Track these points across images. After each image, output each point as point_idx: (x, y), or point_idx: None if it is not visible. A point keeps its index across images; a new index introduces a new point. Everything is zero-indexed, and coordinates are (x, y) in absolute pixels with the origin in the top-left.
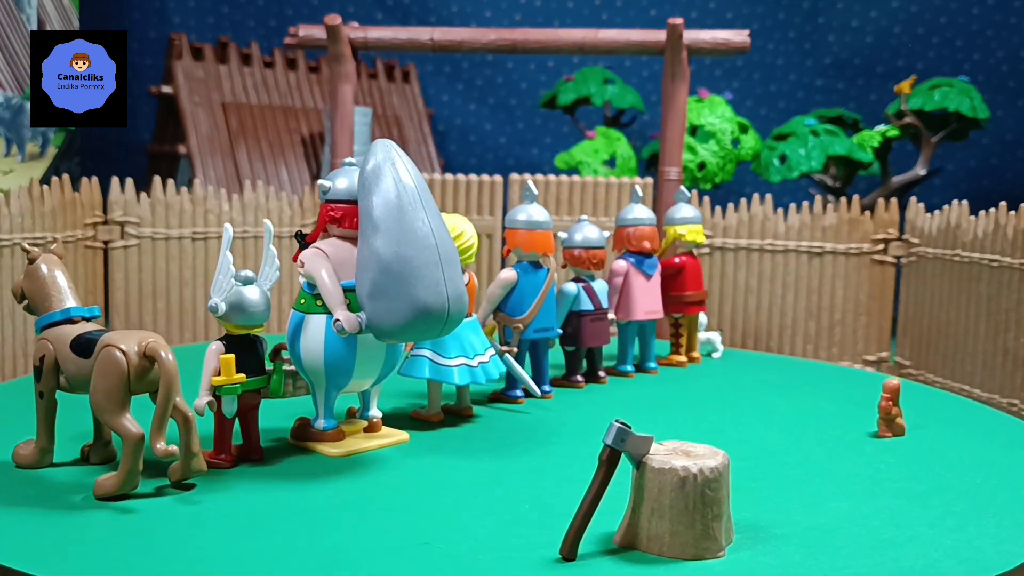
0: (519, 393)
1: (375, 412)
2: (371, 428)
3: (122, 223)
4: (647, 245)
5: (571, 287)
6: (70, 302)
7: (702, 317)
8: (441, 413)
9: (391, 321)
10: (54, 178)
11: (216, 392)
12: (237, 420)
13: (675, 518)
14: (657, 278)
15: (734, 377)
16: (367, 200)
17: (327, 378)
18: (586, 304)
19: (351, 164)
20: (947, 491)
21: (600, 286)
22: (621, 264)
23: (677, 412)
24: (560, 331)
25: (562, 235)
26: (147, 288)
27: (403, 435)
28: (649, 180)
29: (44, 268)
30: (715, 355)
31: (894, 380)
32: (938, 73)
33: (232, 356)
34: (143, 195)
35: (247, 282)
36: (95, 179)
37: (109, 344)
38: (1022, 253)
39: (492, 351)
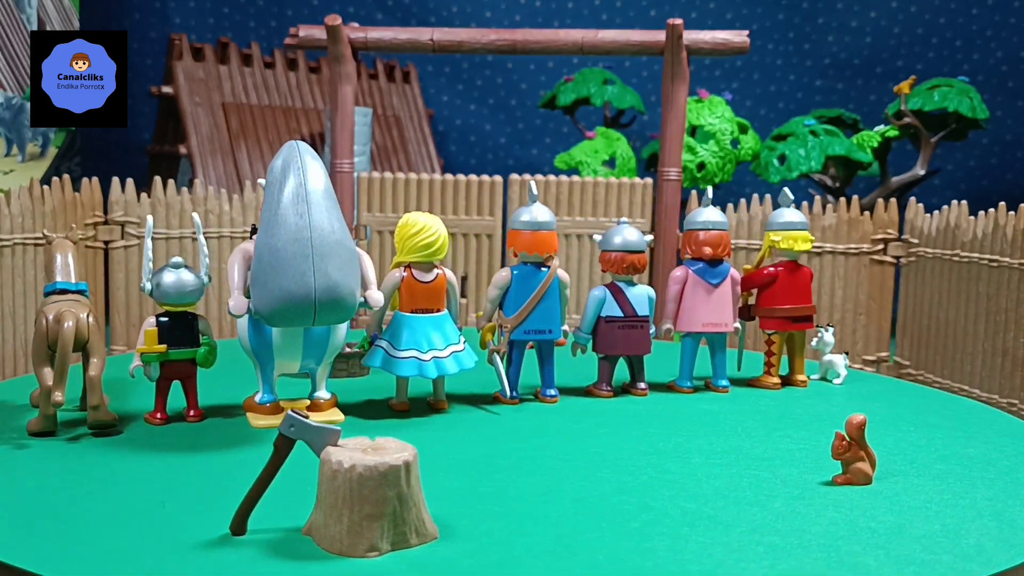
0: (515, 394)
1: (321, 394)
2: (315, 408)
3: (122, 223)
4: (707, 251)
5: (597, 291)
6: (61, 277)
7: (827, 337)
8: (407, 403)
9: (264, 306)
10: (54, 178)
11: (142, 359)
12: (180, 385)
13: (327, 511)
14: (726, 288)
15: (795, 404)
16: (265, 196)
17: (255, 357)
18: (614, 310)
19: None
20: (758, 547)
21: (638, 291)
22: (680, 271)
23: (648, 432)
24: (560, 334)
25: (596, 237)
26: None
27: (339, 417)
28: (649, 180)
29: (53, 249)
30: (836, 381)
31: (857, 416)
32: (938, 73)
33: (155, 329)
34: (143, 195)
35: (176, 267)
36: (95, 179)
37: (40, 312)
38: (1021, 253)
39: (455, 347)
